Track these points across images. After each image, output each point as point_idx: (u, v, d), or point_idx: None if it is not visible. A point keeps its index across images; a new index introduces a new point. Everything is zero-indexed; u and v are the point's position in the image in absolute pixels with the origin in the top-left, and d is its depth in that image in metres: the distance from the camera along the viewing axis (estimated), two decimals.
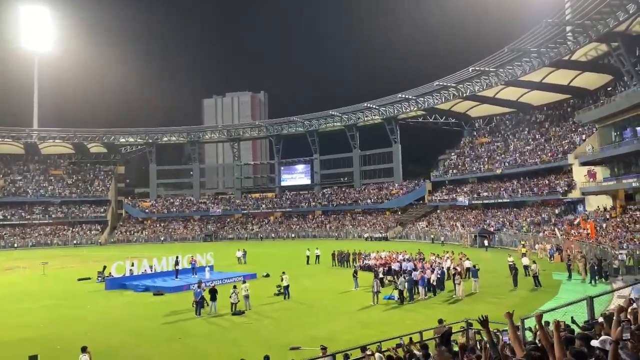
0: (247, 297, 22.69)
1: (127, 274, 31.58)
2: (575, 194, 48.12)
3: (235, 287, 23.13)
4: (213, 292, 22.56)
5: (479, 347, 9.16)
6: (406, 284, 23.64)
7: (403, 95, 73.28)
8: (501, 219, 56.59)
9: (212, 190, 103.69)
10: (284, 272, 26.03)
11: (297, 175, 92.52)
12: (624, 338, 4.46)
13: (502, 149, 66.74)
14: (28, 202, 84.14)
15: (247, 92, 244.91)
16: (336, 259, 39.61)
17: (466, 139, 77.85)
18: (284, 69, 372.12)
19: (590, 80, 54.77)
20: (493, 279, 28.17)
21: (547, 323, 9.50)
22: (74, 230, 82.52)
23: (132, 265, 32.25)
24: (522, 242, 41.92)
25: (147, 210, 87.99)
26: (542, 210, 52.96)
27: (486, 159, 67.12)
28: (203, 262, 34.99)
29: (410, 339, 12.13)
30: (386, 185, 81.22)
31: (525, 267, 28.76)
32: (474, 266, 26.24)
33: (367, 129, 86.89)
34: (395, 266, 30.39)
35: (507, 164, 61.85)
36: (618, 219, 38.42)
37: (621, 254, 27.52)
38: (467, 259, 30.09)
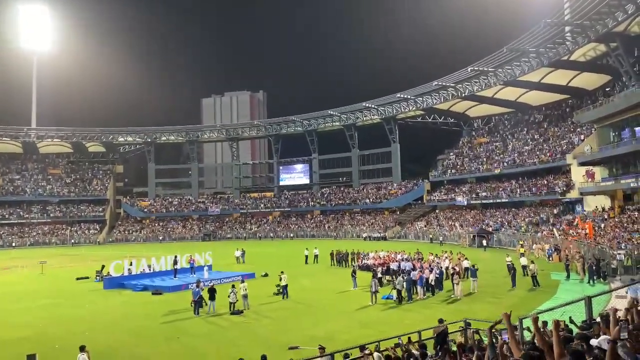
0: (245, 296, 22.67)
1: (126, 273, 31.56)
2: (573, 194, 48.21)
3: (233, 286, 23.11)
4: (212, 292, 22.56)
5: (476, 347, 9.16)
6: (404, 283, 23.65)
7: (402, 95, 73.31)
8: (500, 219, 56.66)
9: (210, 189, 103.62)
10: (282, 272, 26.02)
11: (296, 175, 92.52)
12: (621, 337, 4.47)
13: (500, 149, 66.81)
14: (26, 201, 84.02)
15: (245, 92, 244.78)
16: (335, 258, 39.61)
17: (465, 139, 77.91)
18: (283, 68, 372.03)
19: (588, 80, 54.84)
20: (491, 279, 28.19)
21: (546, 323, 9.52)
22: (72, 229, 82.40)
23: (131, 264, 32.23)
24: (521, 242, 41.98)
25: (145, 210, 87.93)
26: (541, 210, 53.04)
27: (485, 159, 67.19)
28: (201, 261, 34.99)
29: (409, 338, 12.13)
30: (385, 185, 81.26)
31: (524, 267, 28.79)
32: (473, 266, 26.26)
33: (366, 129, 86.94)
34: (393, 266, 30.41)
35: (505, 164, 61.92)
36: (616, 219, 38.47)
37: (619, 254, 27.55)
38: (466, 258, 30.13)
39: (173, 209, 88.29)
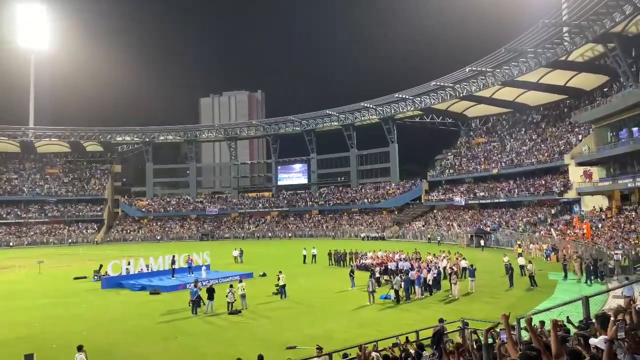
0: (243, 296, 22.67)
1: (124, 273, 31.56)
2: (571, 194, 48.30)
3: (231, 286, 23.10)
4: (210, 291, 22.55)
5: (474, 346, 9.18)
6: (402, 283, 23.66)
7: (400, 95, 73.37)
8: (497, 219, 56.74)
9: (208, 189, 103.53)
10: (280, 272, 26.02)
11: (294, 175, 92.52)
12: (619, 337, 4.48)
13: (498, 149, 66.91)
14: (24, 201, 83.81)
15: (244, 91, 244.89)
16: (333, 258, 39.61)
17: (463, 139, 78.02)
18: (281, 68, 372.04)
19: (586, 80, 54.95)
20: (489, 279, 28.24)
21: (543, 323, 9.55)
22: (70, 229, 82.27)
23: (129, 264, 32.22)
24: (518, 242, 42.04)
25: (143, 209, 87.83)
26: (538, 211, 53.13)
27: (483, 159, 67.27)
28: (199, 261, 34.97)
29: (407, 338, 12.15)
30: (383, 184, 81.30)
31: (522, 267, 28.84)
32: (471, 266, 26.30)
33: (364, 129, 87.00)
34: (391, 266, 30.43)
35: (503, 164, 62.02)
36: (614, 219, 38.57)
37: (617, 254, 27.61)
38: (464, 258, 30.17)
39: (171, 208, 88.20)
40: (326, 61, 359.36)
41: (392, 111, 78.53)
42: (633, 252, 28.05)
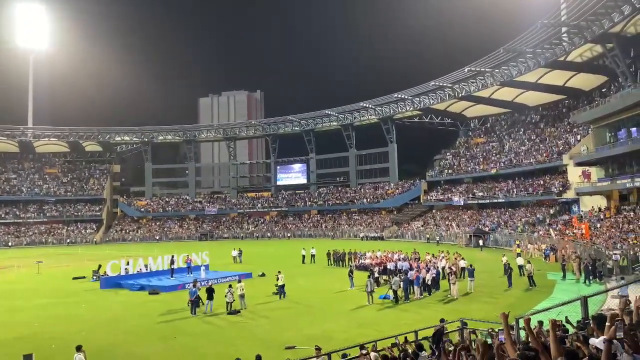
0: (242, 296, 22.66)
1: (123, 273, 31.52)
2: (569, 195, 48.35)
3: (230, 286, 23.10)
4: (210, 291, 22.54)
5: (473, 346, 9.20)
6: (401, 283, 23.67)
7: (399, 95, 73.42)
8: (496, 219, 56.79)
9: (207, 189, 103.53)
10: (279, 272, 26.01)
11: (293, 175, 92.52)
12: (617, 337, 4.50)
13: (497, 149, 66.97)
14: (23, 201, 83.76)
15: (243, 91, 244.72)
16: (332, 258, 39.61)
17: (462, 139, 78.07)
18: (280, 68, 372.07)
19: (585, 81, 55.03)
20: (488, 279, 28.26)
21: (542, 323, 9.56)
22: (69, 229, 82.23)
23: (128, 264, 32.18)
24: (517, 242, 42.09)
25: (142, 209, 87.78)
26: (537, 211, 53.18)
27: (481, 159, 67.33)
28: (198, 261, 34.95)
29: (406, 338, 12.16)
30: (382, 184, 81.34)
31: (520, 267, 28.88)
32: (470, 266, 26.32)
33: (363, 129, 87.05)
34: (390, 266, 30.43)
35: (502, 164, 62.09)
36: (612, 220, 38.62)
37: (615, 254, 27.66)
38: (462, 258, 30.20)
39: (170, 208, 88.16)
40: (325, 61, 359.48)
41: (391, 111, 78.58)
42: (631, 252, 28.11)
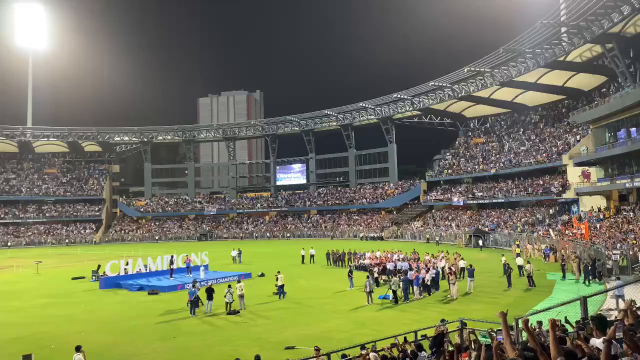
0: (241, 296, 22.65)
1: (122, 273, 31.50)
2: (569, 195, 48.33)
3: (230, 286, 23.09)
4: (210, 291, 22.52)
5: (473, 347, 9.18)
6: (400, 283, 23.66)
7: (398, 96, 73.40)
8: (496, 219, 56.80)
9: (207, 189, 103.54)
10: (279, 272, 26.01)
11: (293, 175, 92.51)
12: (616, 337, 4.49)
13: (496, 150, 66.98)
14: (22, 201, 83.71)
15: (242, 91, 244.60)
16: (331, 258, 39.60)
17: (461, 139, 78.05)
18: (280, 68, 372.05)
19: (584, 81, 55.04)
20: (487, 279, 28.26)
21: (541, 323, 9.55)
22: (68, 229, 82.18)
23: (127, 264, 32.17)
24: (517, 242, 42.09)
25: (141, 209, 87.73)
26: (537, 211, 53.19)
27: (481, 159, 67.34)
28: (198, 261, 34.94)
29: (405, 338, 12.15)
30: (381, 185, 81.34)
31: (520, 267, 28.88)
32: (470, 266, 26.30)
33: (363, 129, 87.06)
34: (390, 266, 30.42)
35: (501, 165, 62.09)
36: (612, 220, 38.61)
37: (615, 254, 27.66)
38: (462, 258, 30.20)
39: (169, 208, 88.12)
40: (325, 61, 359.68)
41: (391, 111, 78.58)
42: (631, 252, 28.08)
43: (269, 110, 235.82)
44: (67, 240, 77.91)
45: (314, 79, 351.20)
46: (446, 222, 63.31)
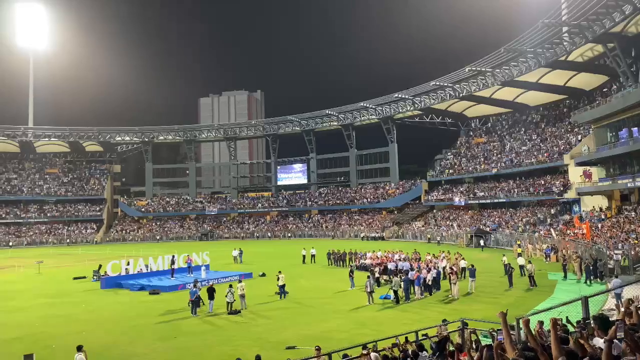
0: (243, 296, 22.65)
1: (123, 273, 31.52)
2: (571, 194, 48.26)
3: (231, 286, 23.10)
4: (211, 291, 22.53)
5: (474, 347, 9.17)
6: (402, 283, 23.64)
7: (400, 95, 73.36)
8: (497, 219, 56.73)
9: (208, 189, 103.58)
10: (280, 272, 26.01)
11: (294, 175, 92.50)
12: (617, 337, 4.48)
13: (498, 149, 66.91)
14: (23, 201, 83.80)
15: (243, 91, 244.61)
16: (332, 258, 39.58)
17: (462, 139, 77.99)
18: (280, 68, 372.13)
19: (586, 80, 54.94)
20: (489, 279, 28.23)
21: (542, 323, 9.53)
22: (69, 229, 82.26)
23: (128, 264, 32.20)
24: (518, 242, 42.05)
25: (143, 209, 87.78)
26: (538, 211, 53.12)
27: (482, 159, 67.28)
28: (199, 261, 34.95)
29: (406, 338, 12.14)
30: (382, 184, 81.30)
31: (521, 267, 28.85)
32: (472, 266, 26.27)
33: (364, 129, 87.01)
34: (391, 266, 30.40)
35: (503, 164, 62.02)
36: (613, 220, 38.55)
37: (616, 254, 27.62)
38: (463, 258, 30.16)
39: (170, 208, 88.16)
40: (326, 61, 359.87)
41: (392, 111, 78.52)
42: (633, 252, 28.04)
43: (270, 110, 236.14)
44: (68, 240, 77.98)
45: (314, 79, 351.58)
46: (447, 222, 63.26)
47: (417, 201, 75.90)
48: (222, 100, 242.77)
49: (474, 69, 58.54)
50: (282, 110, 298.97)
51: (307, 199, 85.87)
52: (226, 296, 22.17)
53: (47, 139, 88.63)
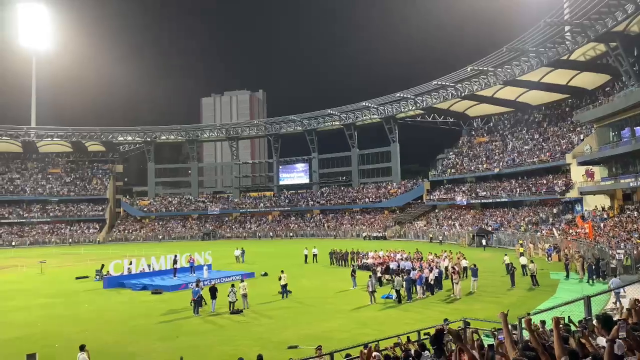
0: (245, 295, 22.69)
1: (125, 273, 31.62)
2: (573, 194, 48.18)
3: (233, 285, 23.13)
4: (213, 291, 22.57)
5: (475, 346, 9.16)
6: (404, 283, 23.65)
7: (401, 95, 73.32)
8: (499, 219, 56.66)
9: (210, 189, 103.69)
10: (282, 271, 26.04)
11: (296, 174, 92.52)
12: (619, 337, 4.48)
13: (500, 149, 66.82)
14: (26, 201, 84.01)
15: (245, 91, 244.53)
16: (334, 258, 39.59)
17: (464, 139, 77.90)
18: (282, 68, 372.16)
19: (588, 80, 54.83)
20: (491, 279, 28.19)
21: (544, 322, 9.52)
22: (72, 228, 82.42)
23: (130, 263, 32.29)
24: (520, 242, 42.01)
25: (145, 209, 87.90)
26: (540, 210, 53.04)
27: (484, 159, 67.20)
28: (201, 260, 35.01)
29: (408, 337, 12.13)
30: (384, 184, 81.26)
31: (523, 267, 28.82)
32: (474, 265, 26.24)
33: (366, 128, 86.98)
34: (393, 265, 30.39)
35: (505, 164, 61.93)
36: (616, 219, 38.47)
37: (619, 253, 27.56)
38: (464, 258, 30.13)
39: (173, 208, 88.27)
40: (327, 61, 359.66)
41: (394, 110, 78.46)
42: (635, 252, 27.98)
43: (272, 110, 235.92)
44: (70, 240, 78.14)
45: (316, 79, 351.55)
46: (449, 222, 63.20)
47: (419, 201, 75.81)
48: (224, 100, 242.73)
49: (476, 68, 58.48)
50: (283, 110, 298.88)
51: (309, 198, 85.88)
52: (228, 296, 22.21)
53: (49, 139, 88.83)
